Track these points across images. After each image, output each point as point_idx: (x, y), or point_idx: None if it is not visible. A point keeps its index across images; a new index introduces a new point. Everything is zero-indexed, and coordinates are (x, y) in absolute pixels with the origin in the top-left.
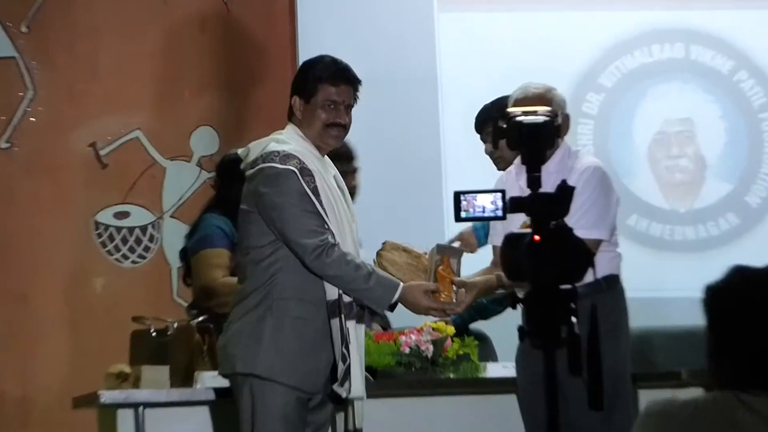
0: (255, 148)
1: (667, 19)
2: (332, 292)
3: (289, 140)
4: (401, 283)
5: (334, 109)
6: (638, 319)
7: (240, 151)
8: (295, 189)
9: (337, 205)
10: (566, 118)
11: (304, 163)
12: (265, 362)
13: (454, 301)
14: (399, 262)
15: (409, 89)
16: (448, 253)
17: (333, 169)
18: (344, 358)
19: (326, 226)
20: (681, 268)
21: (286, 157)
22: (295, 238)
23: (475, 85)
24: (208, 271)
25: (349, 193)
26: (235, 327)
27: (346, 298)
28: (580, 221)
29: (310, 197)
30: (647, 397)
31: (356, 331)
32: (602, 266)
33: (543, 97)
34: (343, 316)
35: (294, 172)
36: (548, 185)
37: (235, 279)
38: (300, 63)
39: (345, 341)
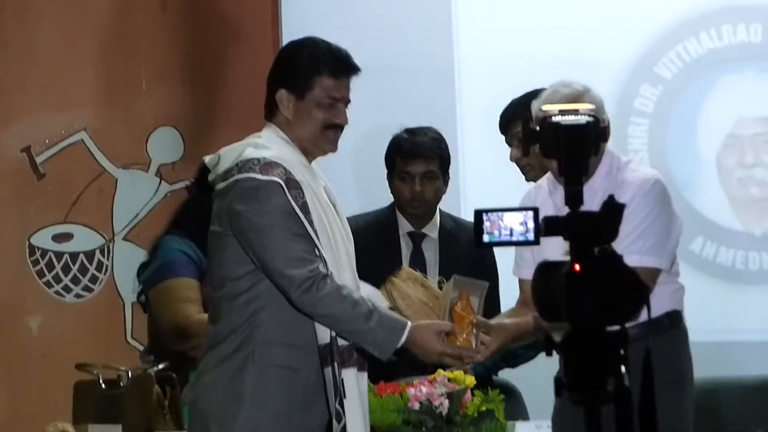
0: (227, 156)
1: None
2: (324, 334)
3: (270, 145)
4: (408, 323)
5: (333, 107)
6: (704, 368)
7: (208, 159)
8: (280, 206)
9: (331, 225)
10: (607, 122)
11: (290, 172)
12: (246, 422)
13: (474, 346)
14: (412, 297)
15: (421, 81)
16: (467, 289)
17: (323, 180)
18: (339, 417)
19: (317, 252)
20: (757, 305)
21: (268, 165)
22: (279, 268)
23: (498, 77)
24: (178, 306)
25: (422, 200)
26: (207, 379)
27: (342, 341)
28: (633, 246)
29: (298, 216)
30: None
31: (357, 382)
32: (662, 301)
33: (578, 99)
34: (337, 363)
35: (279, 184)
36: (592, 203)
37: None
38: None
39: (339, 395)
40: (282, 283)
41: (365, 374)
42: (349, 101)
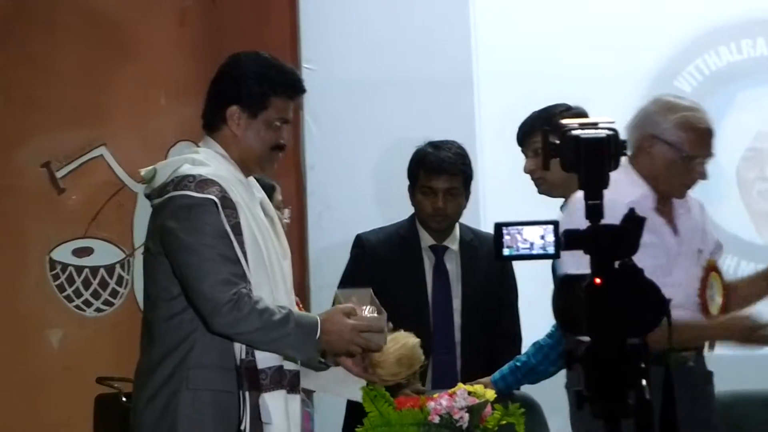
0: (163, 171)
1: (761, 6)
2: (236, 356)
3: (208, 161)
4: (317, 316)
5: (280, 128)
6: (726, 382)
7: (144, 172)
8: (212, 225)
9: (266, 243)
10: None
11: (225, 191)
12: None
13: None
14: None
15: (440, 93)
16: (354, 299)
17: (260, 193)
18: None
19: (243, 275)
20: None
21: (204, 183)
22: (204, 289)
23: (517, 89)
24: None
25: (444, 216)
26: (146, 404)
27: (270, 363)
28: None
29: (228, 237)
30: None
31: (286, 404)
32: None
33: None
34: (245, 386)
35: (213, 201)
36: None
37: None
38: (303, 65)
39: (245, 419)
40: (204, 306)
41: (297, 396)
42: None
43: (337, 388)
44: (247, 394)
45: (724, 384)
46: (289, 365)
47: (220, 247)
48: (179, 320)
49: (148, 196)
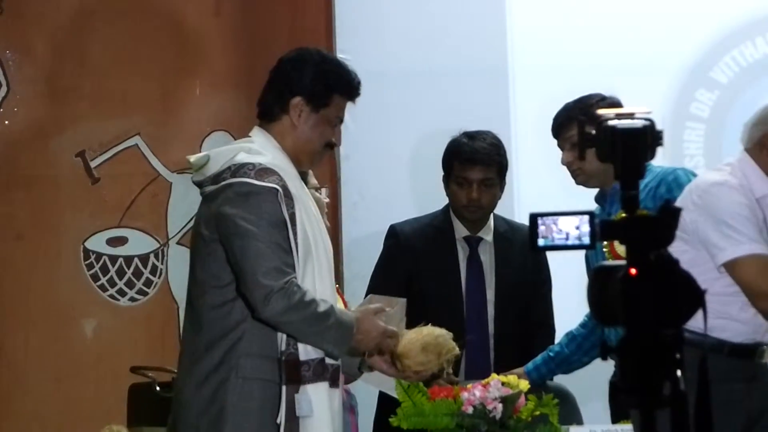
0: (217, 158)
1: None
2: (280, 348)
3: (264, 150)
4: (353, 314)
5: (335, 126)
6: None
7: (194, 159)
8: (270, 213)
9: (315, 238)
10: None
11: (284, 181)
12: None
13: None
14: None
15: (476, 84)
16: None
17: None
18: None
19: (293, 266)
20: None
21: (264, 171)
22: (257, 276)
23: (553, 79)
24: None
25: (479, 207)
26: (193, 392)
27: (314, 355)
28: None
29: (285, 227)
30: None
31: (329, 398)
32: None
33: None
34: (283, 380)
35: (275, 191)
36: None
37: None
38: (337, 56)
39: (281, 412)
40: (255, 292)
41: (338, 390)
42: None
43: (374, 380)
44: (284, 387)
45: None
46: (330, 360)
47: (276, 236)
48: (230, 308)
49: (199, 183)
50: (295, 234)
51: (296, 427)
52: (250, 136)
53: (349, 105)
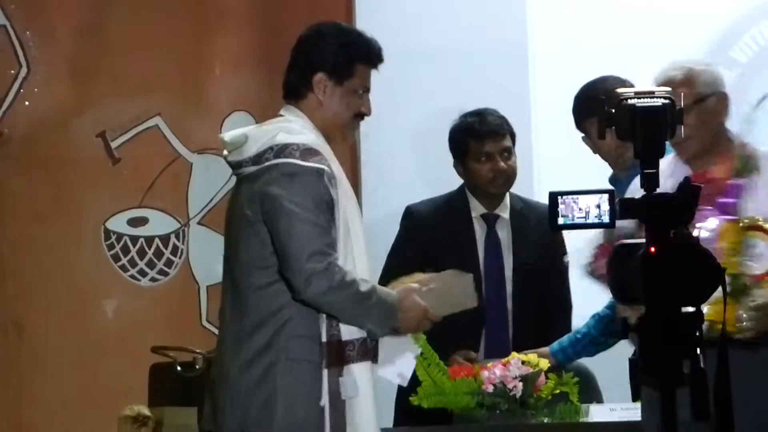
0: (257, 137)
1: None
2: (326, 332)
3: (304, 130)
4: (396, 292)
5: (363, 96)
6: None
7: (229, 137)
8: (315, 195)
9: (353, 218)
10: (723, 96)
11: (327, 162)
12: (282, 420)
13: None
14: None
15: (495, 63)
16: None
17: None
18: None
19: (335, 246)
20: None
21: (308, 152)
22: (300, 258)
23: (572, 58)
24: None
25: (506, 177)
26: (241, 374)
27: (354, 335)
28: None
29: (329, 208)
30: None
31: (372, 374)
32: None
33: (679, 82)
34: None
35: (321, 172)
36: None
37: None
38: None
39: (325, 398)
40: (298, 273)
41: (377, 366)
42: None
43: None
44: (326, 371)
45: None
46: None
47: (320, 218)
48: (275, 289)
49: (237, 164)
50: (336, 216)
51: (342, 408)
52: (282, 115)
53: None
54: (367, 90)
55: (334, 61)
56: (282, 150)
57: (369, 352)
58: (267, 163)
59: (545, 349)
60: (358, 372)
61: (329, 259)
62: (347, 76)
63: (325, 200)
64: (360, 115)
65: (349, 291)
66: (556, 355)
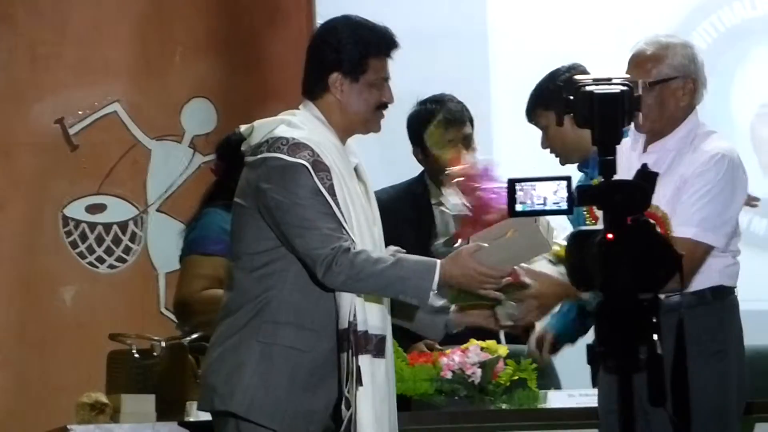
0: (260, 130)
1: None
2: (344, 319)
3: (303, 125)
4: (438, 261)
5: (382, 87)
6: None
7: (243, 128)
8: (306, 186)
9: (356, 210)
10: (692, 82)
11: (318, 155)
12: (245, 396)
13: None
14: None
15: (455, 49)
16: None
17: (355, 159)
18: (348, 404)
19: (344, 230)
20: None
21: (296, 146)
22: (304, 247)
23: (530, 44)
24: (189, 282)
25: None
26: (217, 352)
27: (360, 326)
28: (691, 219)
29: (323, 196)
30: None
31: (372, 368)
32: (709, 275)
33: (647, 57)
34: (353, 350)
35: (305, 166)
36: (663, 163)
37: (219, 292)
38: (318, 21)
39: (353, 382)
40: (308, 263)
41: (382, 360)
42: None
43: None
44: (345, 356)
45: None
46: (374, 330)
47: (317, 205)
48: (260, 274)
49: (244, 152)
50: (337, 203)
51: (354, 396)
52: (296, 110)
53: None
54: (385, 79)
55: (347, 59)
56: (273, 143)
57: (370, 345)
58: (260, 156)
59: (542, 331)
60: (362, 364)
61: (335, 243)
62: (362, 71)
63: (318, 189)
64: (382, 106)
65: (363, 271)
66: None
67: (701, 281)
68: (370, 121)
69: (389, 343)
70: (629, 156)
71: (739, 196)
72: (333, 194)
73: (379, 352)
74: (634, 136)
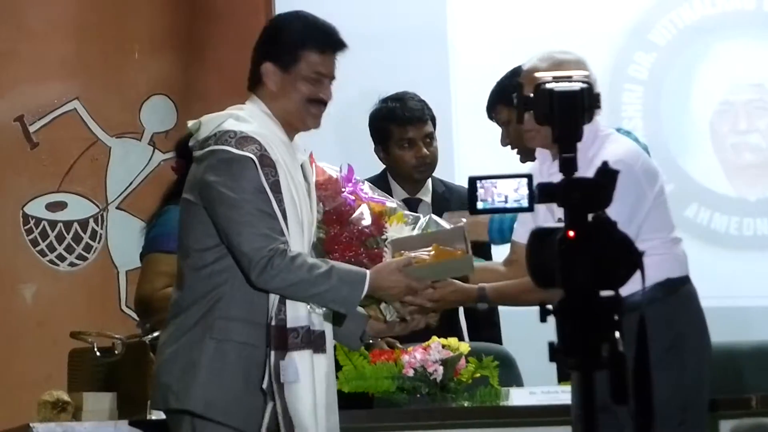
0: (208, 124)
1: None
2: (269, 313)
3: (251, 118)
4: (367, 272)
5: (318, 83)
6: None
7: (190, 124)
8: (251, 181)
9: (301, 206)
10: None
11: (265, 149)
12: (200, 395)
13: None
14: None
15: (415, 47)
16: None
17: (302, 156)
18: (271, 397)
19: (281, 231)
20: (751, 271)
21: (244, 140)
22: (240, 244)
23: (492, 44)
24: (150, 279)
25: (429, 163)
26: (170, 350)
27: (298, 323)
28: None
29: (267, 194)
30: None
31: (312, 364)
32: (652, 273)
33: (576, 64)
34: (272, 346)
35: (251, 160)
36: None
37: None
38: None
39: (274, 378)
40: (241, 261)
41: (322, 355)
42: (334, 77)
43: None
44: (273, 353)
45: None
46: (315, 326)
47: (259, 203)
48: (209, 271)
49: (192, 147)
50: (279, 201)
51: (282, 392)
52: (243, 105)
53: None
54: (321, 75)
55: (280, 49)
56: (221, 137)
57: (313, 341)
58: (207, 149)
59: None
60: (299, 359)
61: (273, 244)
62: (292, 62)
63: (262, 186)
64: (316, 101)
65: (297, 274)
66: (492, 235)
67: (648, 280)
68: (301, 113)
69: (329, 338)
70: (541, 170)
71: (639, 200)
72: (277, 191)
73: (318, 347)
74: (541, 155)
